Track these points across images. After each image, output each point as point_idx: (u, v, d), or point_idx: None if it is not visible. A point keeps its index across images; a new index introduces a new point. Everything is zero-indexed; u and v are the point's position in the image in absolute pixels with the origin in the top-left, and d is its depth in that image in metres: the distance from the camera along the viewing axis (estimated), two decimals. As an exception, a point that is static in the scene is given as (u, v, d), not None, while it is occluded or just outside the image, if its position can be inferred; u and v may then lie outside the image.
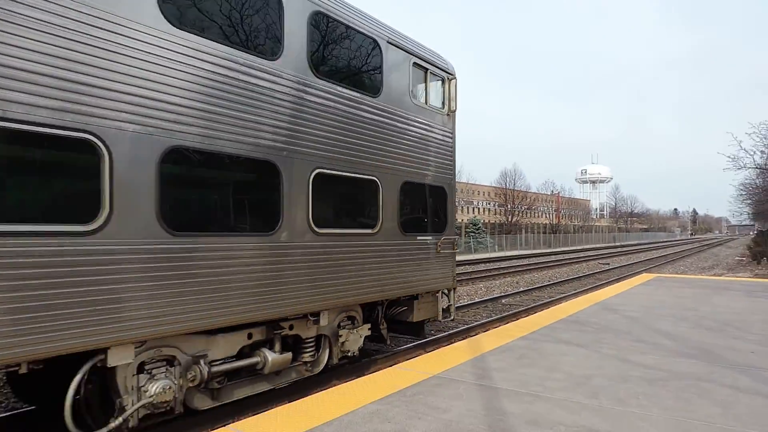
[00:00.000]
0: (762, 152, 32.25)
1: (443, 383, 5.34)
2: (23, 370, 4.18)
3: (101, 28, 4.38)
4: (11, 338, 3.82)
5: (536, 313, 9.87)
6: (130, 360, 4.74)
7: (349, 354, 7.46)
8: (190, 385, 5.37)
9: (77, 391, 4.53)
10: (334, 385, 5.53)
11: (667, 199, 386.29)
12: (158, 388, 4.97)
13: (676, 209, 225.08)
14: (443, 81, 9.02)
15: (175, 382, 5.18)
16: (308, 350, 6.75)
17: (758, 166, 31.53)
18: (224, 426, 4.40)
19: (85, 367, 4.50)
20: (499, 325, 8.84)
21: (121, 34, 4.52)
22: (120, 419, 4.74)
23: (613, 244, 75.45)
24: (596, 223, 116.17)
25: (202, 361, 5.42)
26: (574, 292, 17.64)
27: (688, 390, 5.17)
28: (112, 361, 4.58)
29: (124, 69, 4.53)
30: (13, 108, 3.83)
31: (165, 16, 4.86)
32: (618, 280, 19.87)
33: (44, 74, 4.01)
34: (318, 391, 5.23)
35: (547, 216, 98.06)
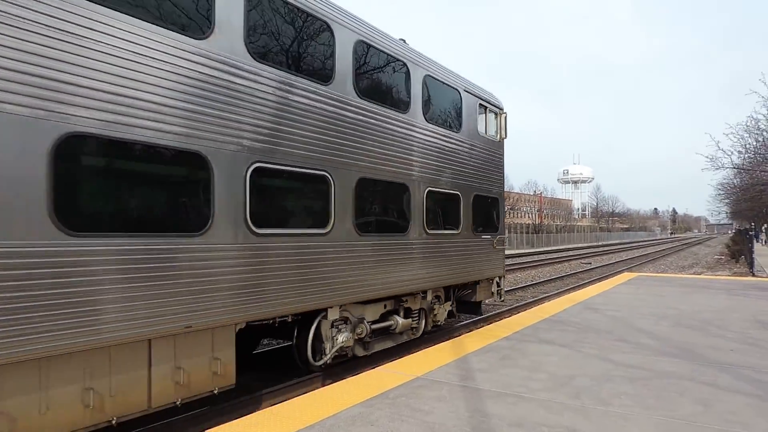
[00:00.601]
0: (739, 152, 32.73)
1: (426, 385, 5.31)
2: (289, 319, 6.47)
3: (340, 115, 7.00)
4: (301, 297, 6.31)
5: (519, 313, 9.89)
6: (336, 317, 7.17)
7: (438, 323, 9.81)
8: (356, 338, 7.61)
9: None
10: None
11: (647, 198, 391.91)
12: (343, 338, 7.22)
13: (656, 209, 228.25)
14: (496, 115, 11.45)
15: (350, 335, 7.37)
16: (415, 318, 9.01)
17: (736, 166, 31.99)
18: None
19: (318, 318, 6.90)
20: (483, 326, 8.84)
21: (339, 113, 6.95)
22: (327, 357, 7.03)
23: (595, 244, 76.13)
24: (578, 223, 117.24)
25: (364, 321, 7.76)
26: (556, 291, 17.74)
27: (669, 389, 5.20)
28: (330, 316, 7.05)
29: (341, 135, 6.96)
30: (298, 160, 6.31)
31: (357, 92, 7.28)
32: (600, 280, 20.03)
33: (313, 142, 6.52)
34: (301, 394, 5.17)
35: (530, 216, 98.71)
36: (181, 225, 5.09)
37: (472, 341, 7.37)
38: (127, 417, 4.69)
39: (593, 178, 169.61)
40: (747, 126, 31.43)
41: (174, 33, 4.95)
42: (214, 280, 5.26)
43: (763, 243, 65.13)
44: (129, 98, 4.57)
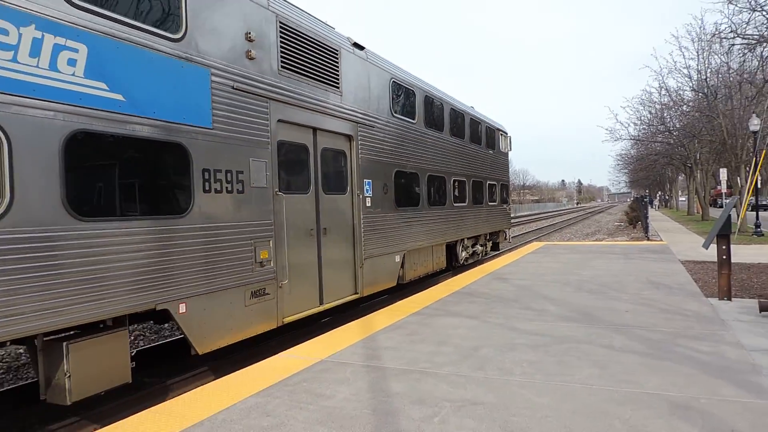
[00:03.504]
0: (635, 124, 34.76)
1: (330, 368, 5.11)
2: (453, 242, 14.14)
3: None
4: (463, 232, 14.59)
5: (430, 288, 9.90)
6: (463, 243, 14.76)
7: (486, 253, 17.50)
8: (466, 255, 15.00)
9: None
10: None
11: (555, 171, 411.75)
12: (464, 253, 14.83)
13: (563, 180, 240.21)
14: (505, 137, 19.11)
15: (465, 252, 14.89)
16: (482, 247, 16.60)
17: (632, 137, 34.01)
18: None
19: (459, 244, 14.42)
20: (394, 302, 8.76)
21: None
22: (460, 262, 14.63)
23: (516, 214, 78.77)
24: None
25: (470, 246, 15.32)
26: (469, 263, 18.11)
27: (568, 353, 5.31)
28: (465, 242, 14.96)
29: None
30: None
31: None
32: (510, 250, 20.66)
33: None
34: (197, 386, 4.81)
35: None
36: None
37: (382, 319, 7.26)
38: (431, 273, 12.32)
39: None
40: (642, 99, 33.20)
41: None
42: (438, 226, 12.64)
43: (656, 209, 70.21)
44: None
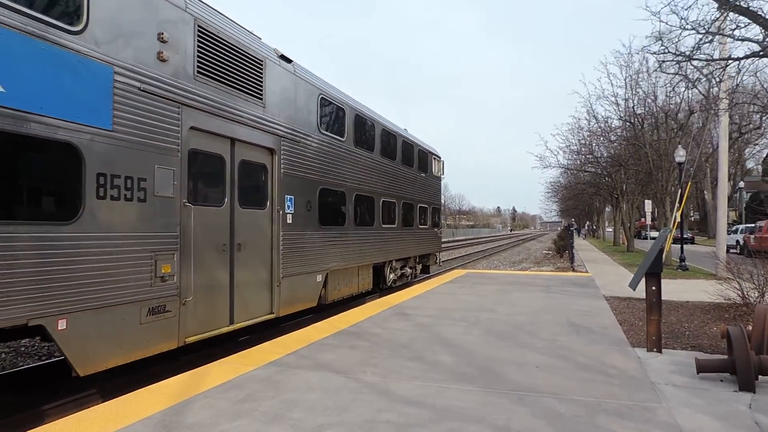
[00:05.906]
0: (563, 152, 34.65)
1: (73, 469, 3.25)
2: (382, 263, 13.70)
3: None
4: (390, 254, 14.19)
5: (314, 324, 8.16)
6: (391, 265, 14.36)
7: (416, 273, 16.87)
8: (395, 277, 14.70)
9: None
10: None
11: (491, 198, 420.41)
12: (392, 275, 14.47)
13: (498, 207, 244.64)
14: (438, 161, 18.84)
15: (393, 274, 14.52)
16: (411, 270, 16.14)
17: (561, 165, 33.74)
18: None
19: (388, 265, 14.05)
20: (260, 343, 6.95)
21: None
22: (388, 284, 14.14)
23: (451, 239, 78.18)
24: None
25: (398, 269, 14.95)
26: (397, 285, 16.49)
27: (446, 442, 3.67)
28: (394, 264, 14.59)
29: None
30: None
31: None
32: (430, 277, 19.22)
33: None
34: None
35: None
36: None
37: (221, 371, 5.44)
38: (356, 294, 12.02)
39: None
40: (570, 126, 32.99)
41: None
42: (364, 246, 12.23)
43: (584, 237, 71.58)
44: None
